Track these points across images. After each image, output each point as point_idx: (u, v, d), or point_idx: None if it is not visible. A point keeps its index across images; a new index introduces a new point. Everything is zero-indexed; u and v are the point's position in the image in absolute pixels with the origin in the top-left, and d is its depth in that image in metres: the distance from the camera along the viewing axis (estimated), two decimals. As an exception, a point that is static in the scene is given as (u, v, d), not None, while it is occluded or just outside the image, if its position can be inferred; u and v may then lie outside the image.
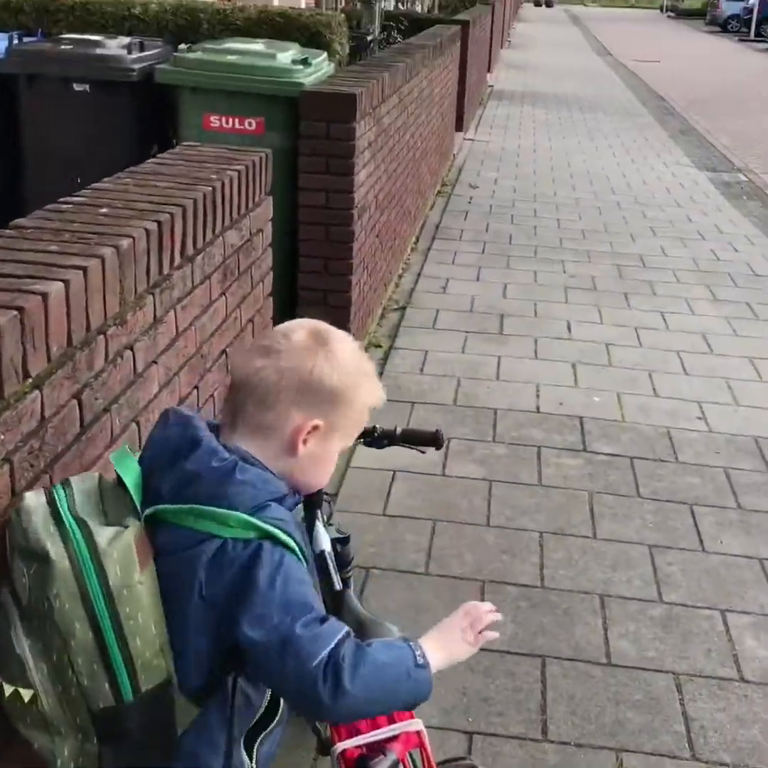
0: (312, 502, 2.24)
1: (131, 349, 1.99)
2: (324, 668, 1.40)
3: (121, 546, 1.38)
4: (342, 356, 1.57)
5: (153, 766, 1.49)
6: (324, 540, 2.13)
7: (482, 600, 3.18)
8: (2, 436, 1.48)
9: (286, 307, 4.59)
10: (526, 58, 22.87)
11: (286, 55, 4.84)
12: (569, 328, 5.82)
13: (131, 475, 1.48)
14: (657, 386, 5.03)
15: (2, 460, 1.49)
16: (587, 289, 6.57)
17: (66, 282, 1.67)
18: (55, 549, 1.37)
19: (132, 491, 1.45)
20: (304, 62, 4.79)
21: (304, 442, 1.54)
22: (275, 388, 1.52)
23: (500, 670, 2.88)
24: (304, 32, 5.45)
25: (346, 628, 1.46)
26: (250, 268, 2.92)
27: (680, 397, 4.92)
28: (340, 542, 2.31)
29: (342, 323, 4.76)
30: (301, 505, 1.64)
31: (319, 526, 2.17)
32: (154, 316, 2.11)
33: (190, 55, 4.76)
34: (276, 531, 1.43)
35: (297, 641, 1.39)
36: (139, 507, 1.44)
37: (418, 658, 1.51)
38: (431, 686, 1.51)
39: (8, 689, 1.40)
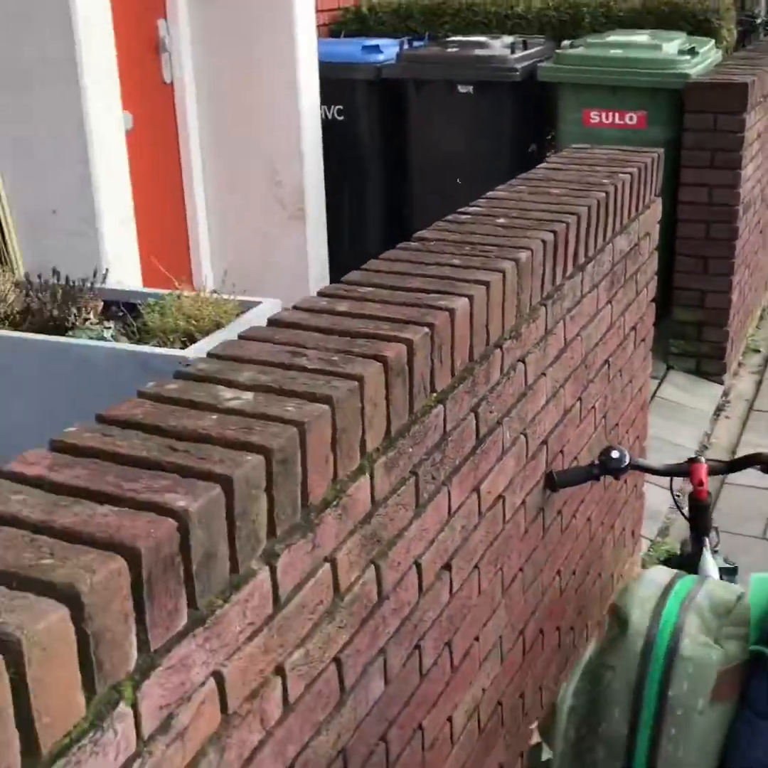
0: (698, 526, 2.15)
1: (523, 361, 1.99)
2: None
3: (704, 662, 1.20)
4: None
5: None
6: (711, 569, 2.04)
7: None
8: (411, 449, 1.53)
9: (660, 308, 4.43)
10: None
11: (672, 45, 4.66)
12: None
13: (758, 601, 1.31)
14: None
15: (410, 472, 1.54)
16: None
17: (470, 297, 1.69)
18: (637, 621, 1.24)
19: (752, 618, 1.28)
20: (691, 52, 4.58)
21: None
22: None
23: None
24: (690, 20, 5.21)
25: None
26: (636, 273, 2.83)
27: None
28: (728, 573, 2.19)
29: (719, 325, 4.60)
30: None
31: (707, 553, 2.09)
32: (546, 327, 2.10)
33: (573, 52, 4.71)
34: None
35: None
36: (751, 638, 1.26)
37: None
38: None
39: (535, 738, 1.31)
